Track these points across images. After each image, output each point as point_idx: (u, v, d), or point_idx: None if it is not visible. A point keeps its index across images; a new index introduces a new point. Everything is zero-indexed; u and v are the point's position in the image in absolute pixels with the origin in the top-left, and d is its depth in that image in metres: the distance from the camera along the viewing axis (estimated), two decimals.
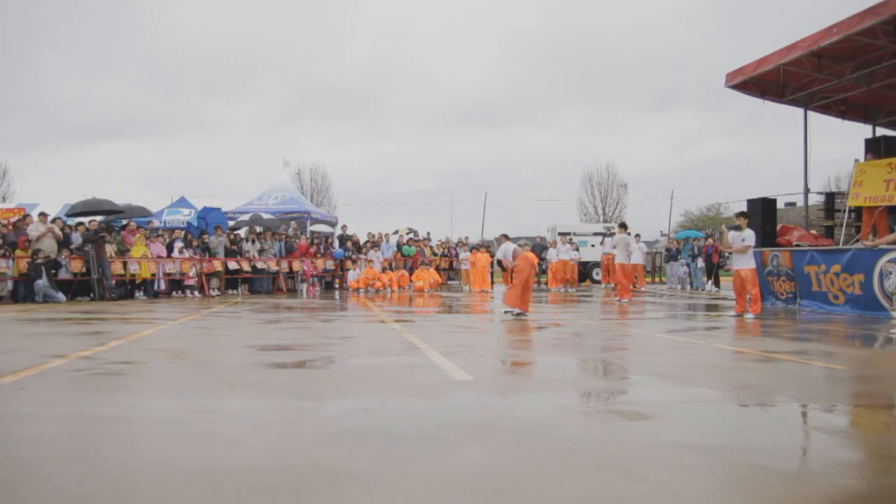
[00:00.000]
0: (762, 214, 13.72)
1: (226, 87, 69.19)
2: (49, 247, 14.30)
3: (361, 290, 19.23)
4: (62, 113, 65.83)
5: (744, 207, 14.00)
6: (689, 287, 22.19)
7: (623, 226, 16.61)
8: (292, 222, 22.43)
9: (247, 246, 19.02)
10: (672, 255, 23.78)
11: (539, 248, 23.98)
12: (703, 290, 21.02)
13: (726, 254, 21.76)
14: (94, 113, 65.70)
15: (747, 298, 10.81)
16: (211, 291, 17.42)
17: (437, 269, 22.84)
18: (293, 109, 71.48)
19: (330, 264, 21.12)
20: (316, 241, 21.65)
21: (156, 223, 19.20)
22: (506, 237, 12.42)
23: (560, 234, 25.28)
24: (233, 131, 68.22)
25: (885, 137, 14.56)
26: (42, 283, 13.69)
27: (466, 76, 72.14)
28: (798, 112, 14.62)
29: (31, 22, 61.47)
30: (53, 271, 14.15)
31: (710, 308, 13.48)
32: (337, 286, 21.41)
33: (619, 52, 66.75)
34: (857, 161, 13.85)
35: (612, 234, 17.39)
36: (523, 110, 72.34)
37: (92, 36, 66.14)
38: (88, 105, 65.00)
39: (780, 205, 15.20)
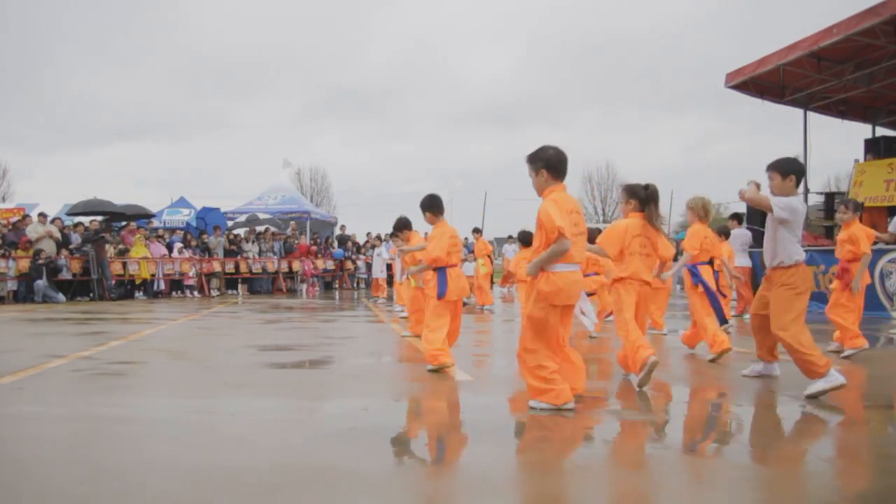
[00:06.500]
0: (762, 215, 13.69)
1: (244, 88, 68.64)
2: (48, 248, 14.30)
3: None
4: (69, 113, 65.65)
5: (743, 207, 13.99)
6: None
7: None
8: (291, 222, 22.43)
9: (247, 246, 19.02)
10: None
11: None
12: None
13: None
14: (105, 113, 65.45)
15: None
16: (211, 291, 17.42)
17: None
18: (312, 111, 71.03)
19: (330, 264, 21.12)
20: (316, 238, 21.66)
21: (155, 223, 19.19)
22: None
23: None
24: (247, 132, 67.79)
25: (884, 138, 14.57)
26: (42, 283, 13.69)
27: (488, 78, 71.60)
28: (798, 112, 14.63)
29: (43, 23, 61.36)
30: (53, 272, 14.15)
31: None
32: (336, 286, 21.41)
33: (636, 53, 66.41)
34: (856, 161, 13.86)
35: None
36: (539, 112, 71.85)
37: (106, 36, 65.87)
38: (96, 105, 64.80)
39: None
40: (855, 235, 6.61)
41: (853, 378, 5.50)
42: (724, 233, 9.61)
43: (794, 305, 4.58)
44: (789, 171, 4.58)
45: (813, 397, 4.33)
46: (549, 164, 4.00)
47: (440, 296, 5.43)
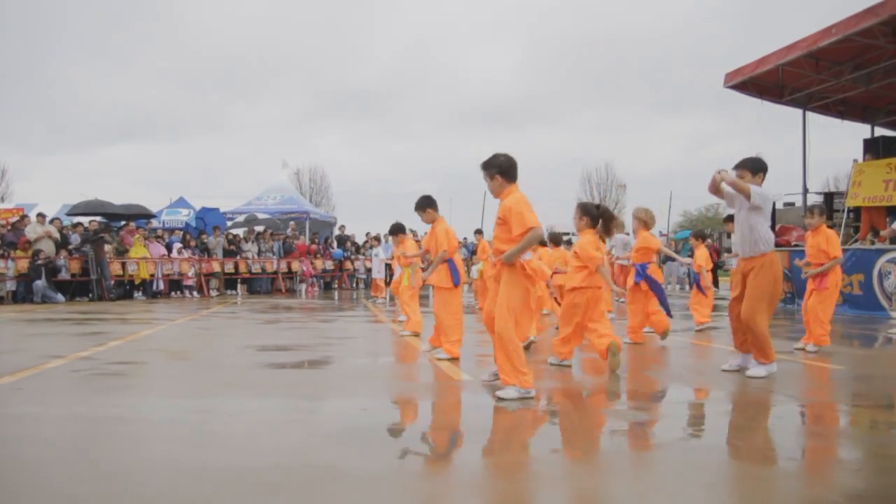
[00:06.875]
0: None
1: (244, 88, 68.35)
2: (47, 248, 14.29)
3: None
4: (69, 113, 65.51)
5: None
6: (687, 287, 22.19)
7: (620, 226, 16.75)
8: (291, 222, 22.41)
9: (246, 246, 19.01)
10: (669, 256, 23.77)
11: None
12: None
13: (724, 256, 21.79)
14: (105, 113, 65.21)
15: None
16: (210, 292, 17.41)
17: None
18: (312, 111, 70.74)
19: (329, 264, 21.10)
20: (315, 238, 21.66)
21: (154, 223, 19.18)
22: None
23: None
24: (247, 132, 67.45)
25: (883, 138, 14.57)
26: (41, 283, 13.68)
27: (488, 78, 71.32)
28: (797, 112, 14.63)
29: (43, 23, 61.20)
30: (52, 273, 14.13)
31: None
32: (335, 287, 21.39)
33: (636, 53, 66.20)
34: (855, 161, 13.86)
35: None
36: (538, 112, 71.72)
37: (106, 36, 65.65)
38: (95, 105, 64.62)
39: (779, 205, 15.20)
40: (830, 240, 6.76)
41: (853, 378, 5.50)
42: (701, 236, 10.15)
43: (767, 295, 5.04)
44: (758, 168, 5.14)
45: (751, 377, 5.00)
46: (501, 169, 4.49)
47: (456, 283, 6.12)
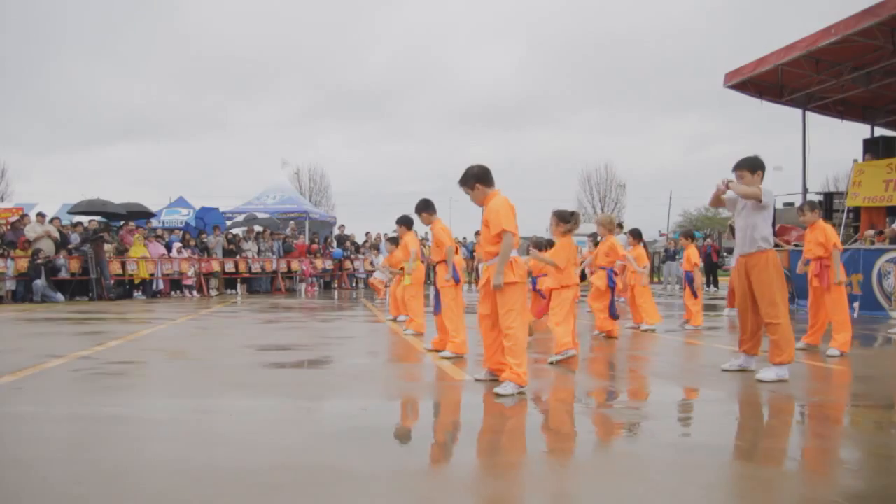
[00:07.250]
0: None
1: (244, 88, 68.35)
2: (46, 248, 14.29)
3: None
4: (69, 113, 65.47)
5: None
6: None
7: (619, 225, 16.79)
8: (291, 222, 22.41)
9: (245, 246, 19.00)
10: (669, 256, 23.80)
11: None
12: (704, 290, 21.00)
13: (724, 254, 21.83)
14: (105, 113, 65.20)
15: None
16: (209, 291, 17.40)
17: None
18: (312, 111, 70.61)
19: (328, 264, 21.10)
20: (314, 238, 21.66)
21: (154, 223, 19.17)
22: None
23: None
24: (247, 132, 67.35)
25: (883, 138, 14.58)
26: (40, 283, 13.67)
27: (488, 78, 71.19)
28: (796, 112, 14.64)
29: (43, 23, 61.16)
30: (52, 272, 14.12)
31: (709, 308, 13.47)
32: (335, 286, 21.39)
33: (636, 53, 66.07)
34: (855, 161, 13.87)
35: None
36: (539, 112, 71.63)
37: (106, 36, 65.63)
38: (95, 105, 64.63)
39: (778, 205, 15.20)
40: (826, 232, 6.68)
41: (853, 378, 5.51)
42: (689, 236, 10.46)
43: (781, 291, 5.12)
44: (757, 167, 5.18)
45: (762, 381, 4.88)
46: (478, 178, 4.77)
47: (457, 281, 6.39)
